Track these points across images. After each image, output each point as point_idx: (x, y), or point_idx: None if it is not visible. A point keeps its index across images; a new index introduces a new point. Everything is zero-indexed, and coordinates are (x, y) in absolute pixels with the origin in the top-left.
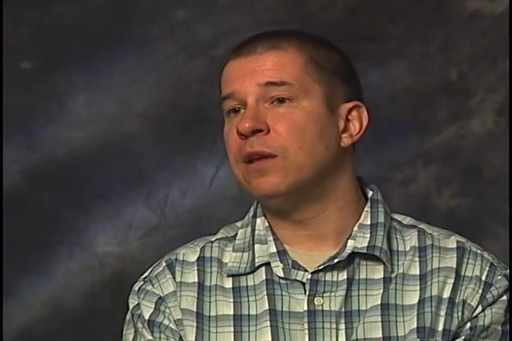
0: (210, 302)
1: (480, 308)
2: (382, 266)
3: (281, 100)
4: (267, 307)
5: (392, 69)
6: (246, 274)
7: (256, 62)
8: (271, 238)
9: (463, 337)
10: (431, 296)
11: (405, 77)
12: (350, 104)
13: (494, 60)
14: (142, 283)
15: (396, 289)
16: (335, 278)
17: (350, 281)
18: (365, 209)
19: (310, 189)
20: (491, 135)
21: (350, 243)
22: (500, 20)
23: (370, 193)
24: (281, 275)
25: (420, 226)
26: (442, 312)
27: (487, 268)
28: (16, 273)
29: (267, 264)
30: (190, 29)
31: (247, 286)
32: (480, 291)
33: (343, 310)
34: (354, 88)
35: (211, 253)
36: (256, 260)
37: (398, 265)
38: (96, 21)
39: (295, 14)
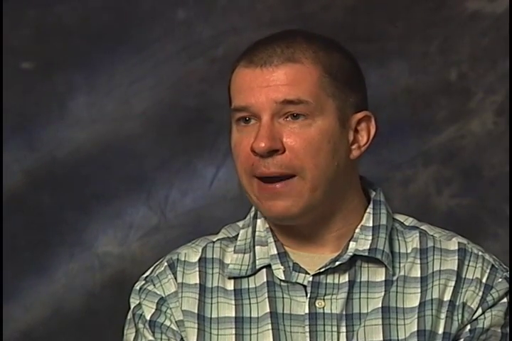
0: (211, 304)
1: (480, 311)
2: (383, 269)
3: (295, 116)
4: (268, 309)
5: (392, 69)
6: (247, 276)
7: (272, 76)
8: (271, 240)
9: (462, 340)
10: (431, 299)
11: (405, 77)
12: (360, 115)
13: (494, 60)
14: (143, 282)
15: (397, 292)
16: (336, 281)
17: (351, 284)
18: (368, 210)
19: (319, 207)
20: (490, 135)
21: (352, 245)
22: (500, 21)
23: (372, 194)
24: (282, 277)
25: (422, 227)
26: (443, 315)
27: (488, 271)
28: (17, 273)
29: (268, 266)
30: (190, 29)
31: (248, 288)
32: (480, 294)
33: (344, 312)
34: (363, 96)
35: (213, 254)
36: (257, 262)
37: (400, 267)
38: (96, 22)
39: (295, 14)
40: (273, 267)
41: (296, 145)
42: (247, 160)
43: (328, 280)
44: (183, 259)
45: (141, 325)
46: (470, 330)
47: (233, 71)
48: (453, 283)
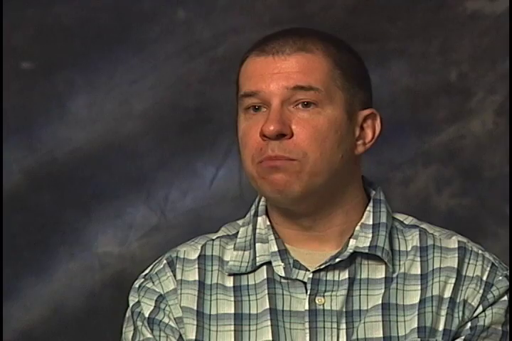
0: (210, 300)
1: (480, 308)
2: (383, 266)
3: (306, 104)
4: (267, 306)
5: (392, 70)
6: (247, 273)
7: (284, 63)
8: (272, 237)
9: (463, 337)
10: (432, 296)
11: (405, 77)
12: (366, 112)
13: (494, 60)
14: (143, 280)
15: (397, 289)
16: (336, 278)
17: (351, 281)
18: (368, 208)
19: (320, 195)
20: (491, 135)
21: (352, 242)
22: (500, 21)
23: (372, 193)
24: (283, 274)
25: (422, 226)
26: (443, 312)
27: (488, 269)
28: (17, 273)
29: (268, 263)
30: (190, 29)
31: (247, 285)
32: (481, 291)
33: (344, 309)
34: (369, 95)
35: (212, 252)
36: (257, 259)
37: (399, 265)
38: (96, 21)
39: (295, 14)
40: (273, 264)
41: (304, 131)
42: (255, 146)
43: (328, 277)
44: (182, 257)
45: (139, 323)
46: (471, 328)
47: (243, 62)
48: (453, 280)
